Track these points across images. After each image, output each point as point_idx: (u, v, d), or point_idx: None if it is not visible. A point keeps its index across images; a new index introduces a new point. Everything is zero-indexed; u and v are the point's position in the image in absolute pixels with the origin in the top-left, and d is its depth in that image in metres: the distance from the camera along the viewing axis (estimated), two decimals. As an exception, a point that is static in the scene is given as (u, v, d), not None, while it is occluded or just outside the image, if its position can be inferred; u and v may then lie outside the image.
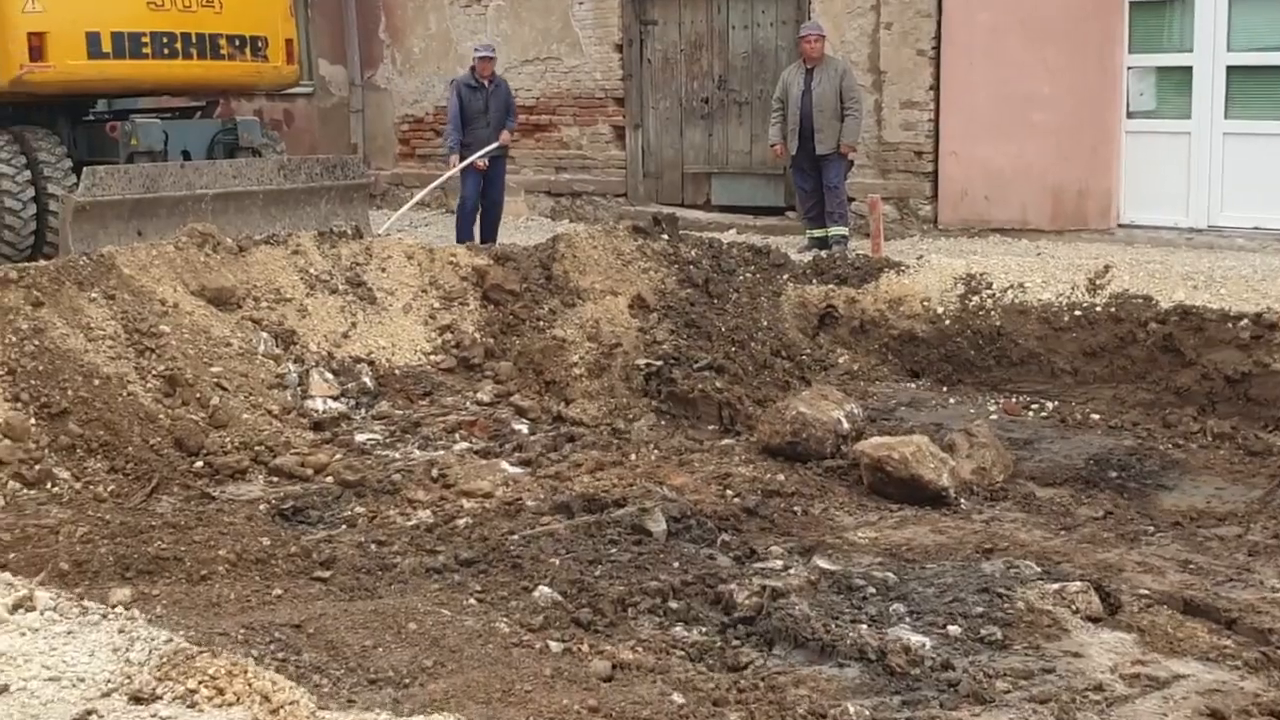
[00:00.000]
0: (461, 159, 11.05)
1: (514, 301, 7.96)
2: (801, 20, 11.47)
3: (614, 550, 4.91)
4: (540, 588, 4.50)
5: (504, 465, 6.16)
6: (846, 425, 6.29)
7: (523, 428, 6.82)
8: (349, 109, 15.43)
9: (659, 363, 7.26)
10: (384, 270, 8.09)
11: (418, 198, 11.97)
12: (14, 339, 6.13)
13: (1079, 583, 4.59)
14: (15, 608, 3.20)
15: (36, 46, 10.03)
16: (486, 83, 11.18)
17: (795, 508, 5.60)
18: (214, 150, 11.14)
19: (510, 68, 13.47)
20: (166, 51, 10.69)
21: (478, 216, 11.37)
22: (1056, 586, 4.55)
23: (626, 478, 5.84)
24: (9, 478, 5.57)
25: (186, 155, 10.84)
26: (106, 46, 10.33)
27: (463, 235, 11.03)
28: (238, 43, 11.14)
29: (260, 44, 11.32)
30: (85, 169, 9.39)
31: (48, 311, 6.35)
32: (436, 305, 8.01)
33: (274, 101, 16.18)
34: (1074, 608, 4.46)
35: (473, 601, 4.44)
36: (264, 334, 7.21)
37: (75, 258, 6.95)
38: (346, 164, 11.05)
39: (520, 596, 4.50)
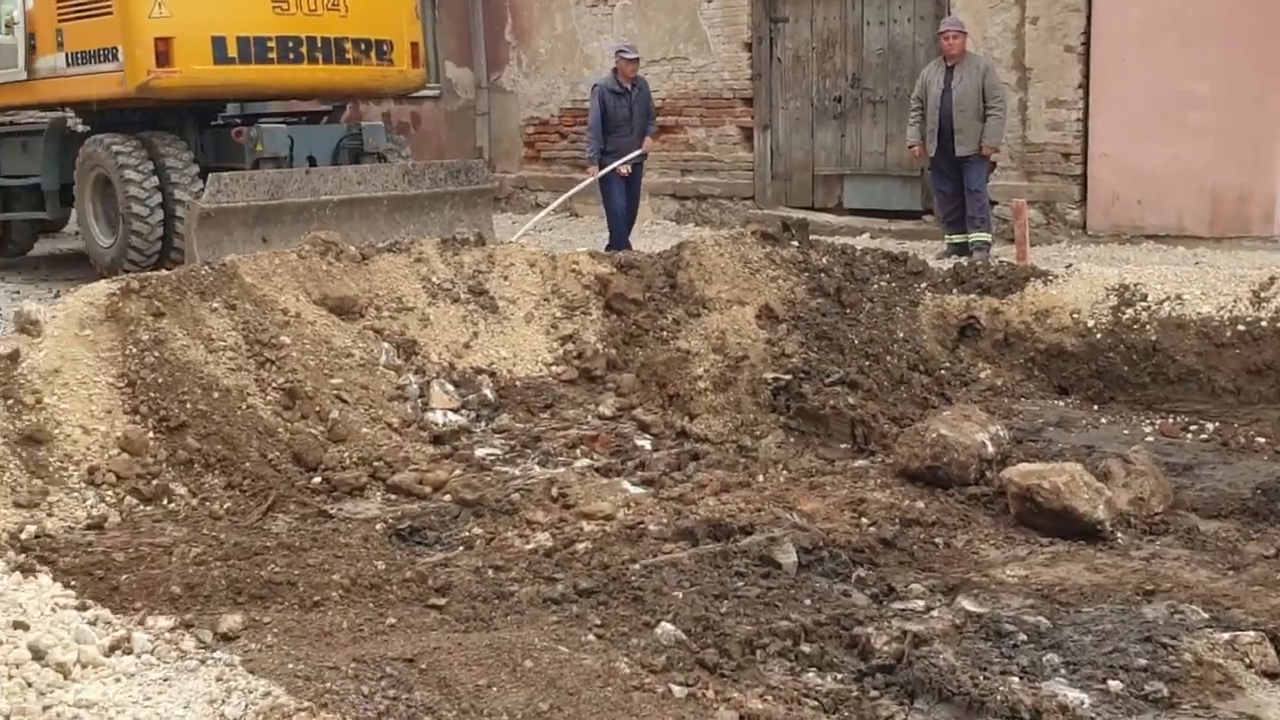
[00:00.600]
0: (601, 168, 10.79)
1: (637, 311, 7.71)
2: (941, 15, 11.04)
3: (741, 584, 4.62)
4: (663, 624, 4.23)
5: (625, 485, 5.91)
6: (991, 449, 5.89)
7: (645, 443, 6.57)
8: (475, 112, 15.38)
9: (788, 376, 6.94)
10: (506, 278, 7.91)
11: (552, 206, 11.73)
12: (134, 350, 6.07)
13: (1252, 633, 4.15)
14: (112, 649, 3.04)
15: (163, 52, 10.06)
16: (630, 86, 10.88)
17: (936, 539, 5.23)
18: (339, 155, 11.11)
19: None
20: (292, 56, 10.67)
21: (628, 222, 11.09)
22: (1227, 636, 4.12)
23: (754, 501, 5.54)
24: (126, 493, 5.51)
25: (312, 161, 10.83)
26: (232, 51, 10.32)
27: (619, 244, 10.73)
28: (363, 46, 11.08)
29: (386, 48, 11.25)
30: (210, 175, 9.41)
31: (169, 322, 6.28)
32: (558, 314, 7.81)
33: (401, 105, 16.24)
34: (1248, 661, 4.04)
35: (592, 637, 4.19)
36: (385, 344, 7.08)
37: (197, 267, 6.90)
38: (471, 169, 10.92)
39: (641, 633, 4.23)
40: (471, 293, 7.72)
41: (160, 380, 5.96)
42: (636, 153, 10.82)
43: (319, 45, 10.71)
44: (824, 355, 7.17)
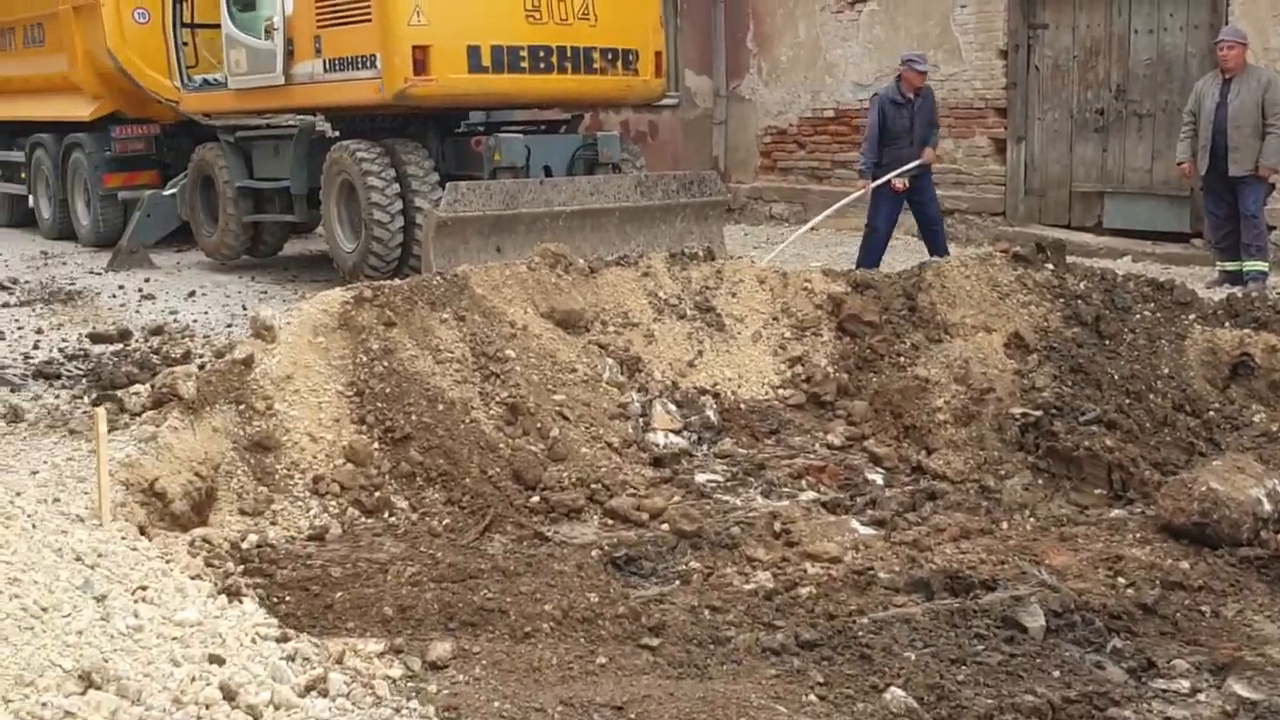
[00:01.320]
0: (874, 180, 10.35)
1: (872, 334, 7.31)
2: (1217, 24, 10.21)
3: (981, 648, 4.21)
4: (892, 689, 3.88)
5: (854, 524, 5.54)
6: (1268, 506, 5.27)
7: (877, 478, 6.20)
8: (712, 121, 15.19)
9: (1038, 413, 6.41)
10: (734, 295, 7.64)
11: (812, 223, 11.28)
12: (365, 359, 6.09)
13: None
14: (307, 690, 2.91)
15: (420, 60, 10.10)
16: (913, 95, 10.43)
17: (1203, 607, 4.67)
18: (574, 166, 11.06)
19: (881, 76, 12.80)
20: (542, 65, 10.63)
21: (887, 244, 10.65)
22: None
23: (997, 552, 5.10)
24: (349, 504, 5.50)
25: (548, 170, 10.81)
26: (486, 60, 10.33)
27: (870, 262, 10.32)
28: (610, 56, 10.98)
29: (631, 57, 11.14)
30: (448, 185, 9.47)
31: (399, 332, 6.28)
32: (787, 335, 7.48)
33: (639, 113, 16.21)
34: None
35: (814, 698, 3.88)
36: (609, 360, 6.91)
37: (430, 277, 6.89)
38: (704, 180, 10.70)
39: (868, 697, 3.89)
40: (698, 309, 7.49)
41: (388, 390, 5.95)
42: (914, 163, 10.30)
43: (568, 55, 10.65)
44: (1079, 391, 6.61)
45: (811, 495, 5.92)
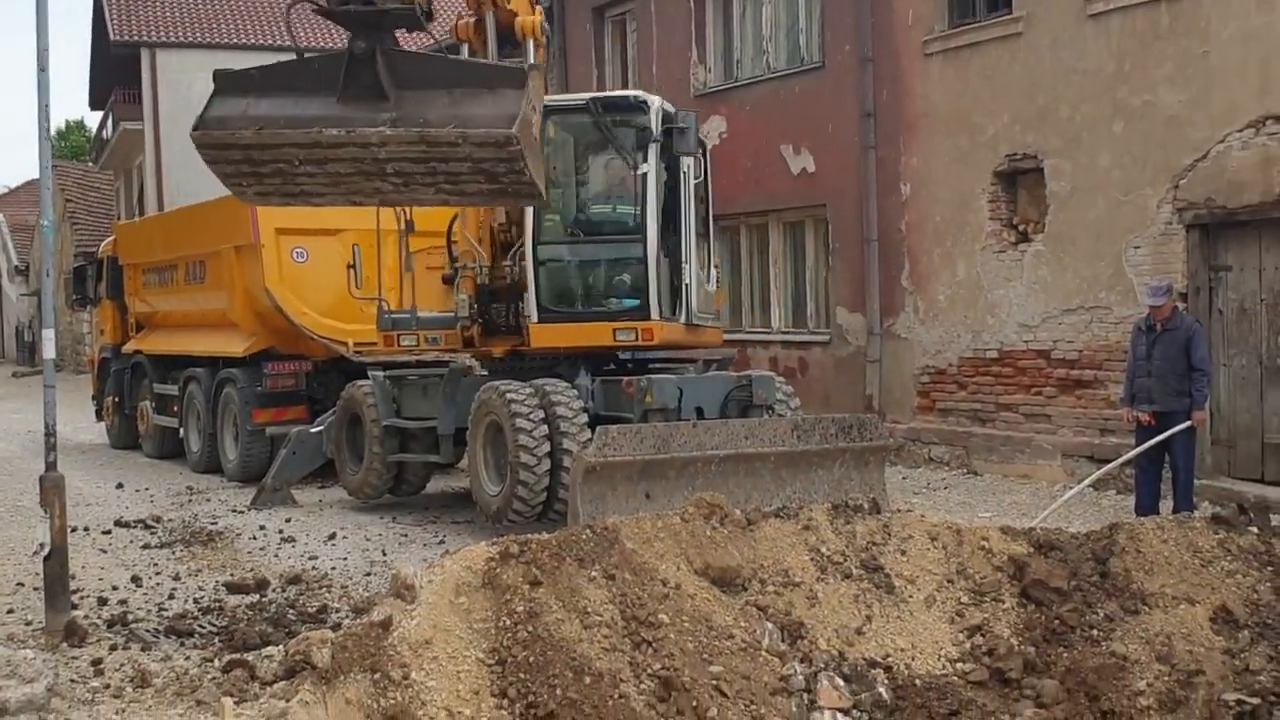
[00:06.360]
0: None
1: (1061, 603, 6.63)
2: None
3: None
4: None
5: (1059, 835, 4.83)
6: None
7: (1078, 774, 5.47)
8: (865, 359, 14.83)
9: (1255, 700, 5.69)
10: (904, 553, 7.04)
11: (1098, 474, 10.36)
12: (508, 623, 5.67)
13: None
14: None
15: None
16: (1158, 326, 9.77)
17: None
18: (728, 407, 10.75)
19: (1049, 317, 12.34)
20: None
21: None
22: None
23: None
24: (487, 794, 4.99)
25: (700, 413, 10.51)
26: None
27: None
28: None
29: None
30: (598, 428, 9.19)
31: (545, 592, 5.86)
32: (964, 600, 6.82)
33: (789, 350, 15.96)
34: None
35: None
36: (769, 624, 6.36)
37: (577, 530, 6.49)
38: (864, 424, 10.23)
39: None
40: (864, 568, 6.90)
41: (531, 659, 5.50)
42: (1176, 429, 9.61)
43: None
44: (1302, 675, 5.85)
45: (1003, 795, 5.22)
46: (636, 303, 10.92)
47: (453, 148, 6.45)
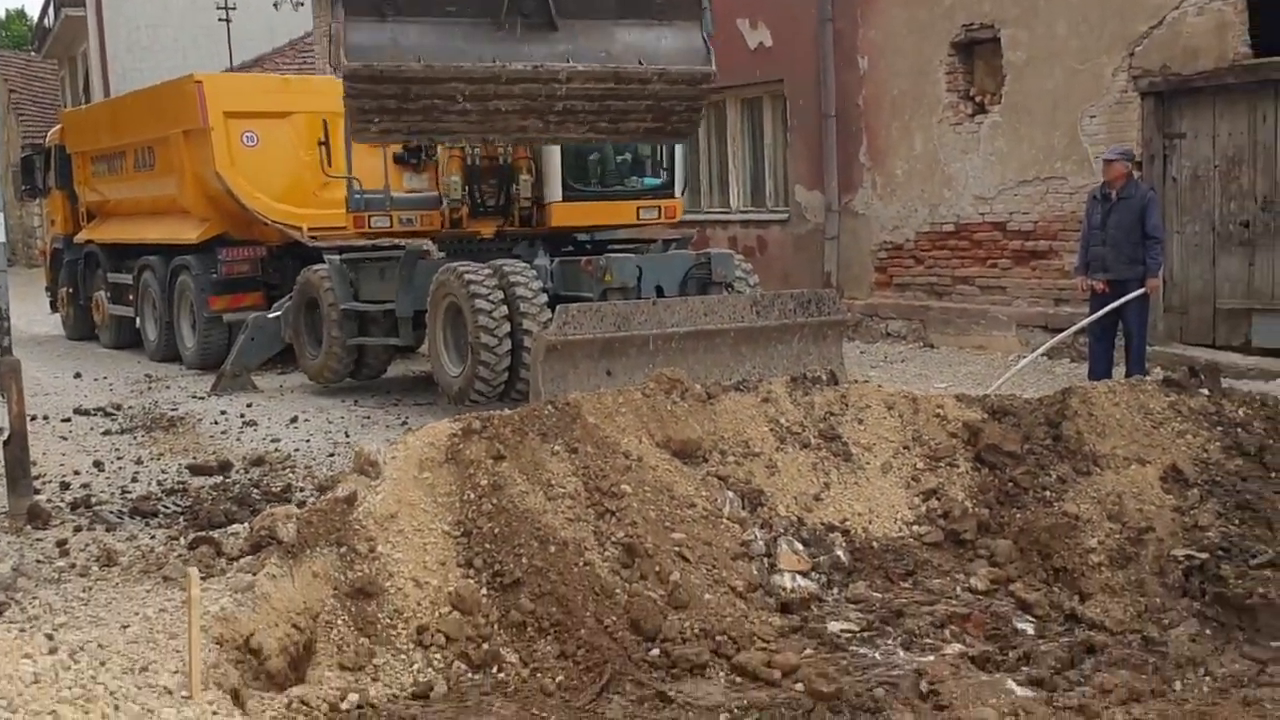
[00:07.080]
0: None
1: (1014, 466, 6.77)
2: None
3: None
4: None
5: (1010, 683, 4.99)
6: None
7: (1027, 627, 5.64)
8: (824, 236, 14.85)
9: (1203, 555, 5.84)
10: (861, 422, 7.16)
11: (1052, 342, 10.55)
12: (473, 496, 5.74)
13: None
14: None
15: None
16: (1113, 194, 9.79)
17: None
18: (687, 285, 10.77)
19: (1005, 189, 12.36)
20: None
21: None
22: None
23: (1174, 718, 4.52)
24: (454, 656, 5.10)
25: (660, 290, 10.53)
26: None
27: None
28: None
29: None
30: (558, 307, 9.19)
31: (508, 465, 5.93)
32: (920, 465, 6.96)
33: (747, 229, 15.95)
34: None
35: None
36: (730, 493, 6.47)
37: (540, 405, 6.54)
38: (822, 299, 10.28)
39: None
40: (823, 437, 7.01)
41: (497, 530, 5.59)
42: (1128, 296, 9.67)
43: None
44: (1247, 530, 6.02)
45: (957, 648, 5.38)
46: (659, 182, 11.05)
47: (642, 85, 5.95)
